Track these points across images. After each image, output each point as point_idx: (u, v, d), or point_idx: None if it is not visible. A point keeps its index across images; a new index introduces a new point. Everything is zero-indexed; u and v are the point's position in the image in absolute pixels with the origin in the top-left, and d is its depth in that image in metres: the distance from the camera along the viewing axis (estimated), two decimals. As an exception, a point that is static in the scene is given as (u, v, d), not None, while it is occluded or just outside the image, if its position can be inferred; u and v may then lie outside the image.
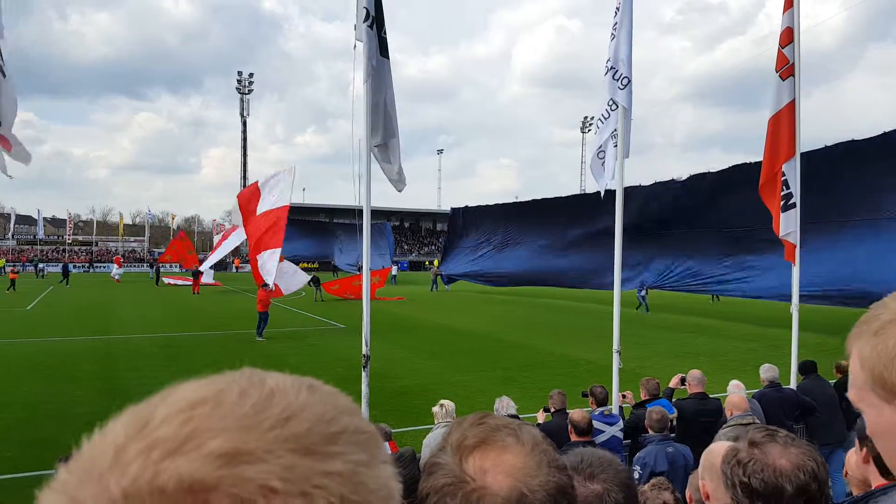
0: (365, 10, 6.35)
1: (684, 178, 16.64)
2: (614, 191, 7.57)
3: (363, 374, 6.62)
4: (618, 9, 7.20)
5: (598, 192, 8.30)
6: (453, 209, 29.38)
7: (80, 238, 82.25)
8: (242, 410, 0.44)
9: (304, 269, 33.01)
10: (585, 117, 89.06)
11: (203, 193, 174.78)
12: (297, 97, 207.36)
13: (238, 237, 28.44)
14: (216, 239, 44.35)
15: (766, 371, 7.17)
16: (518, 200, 28.97)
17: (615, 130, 7.34)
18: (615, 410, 6.78)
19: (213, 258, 38.51)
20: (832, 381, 7.72)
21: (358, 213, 8.06)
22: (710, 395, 6.81)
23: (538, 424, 6.32)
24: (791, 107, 7.78)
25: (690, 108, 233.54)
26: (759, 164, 8.49)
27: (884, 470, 1.97)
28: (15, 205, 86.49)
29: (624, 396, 7.25)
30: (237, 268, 67.01)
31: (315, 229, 48.83)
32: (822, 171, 11.70)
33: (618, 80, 7.13)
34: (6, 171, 5.69)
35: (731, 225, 14.71)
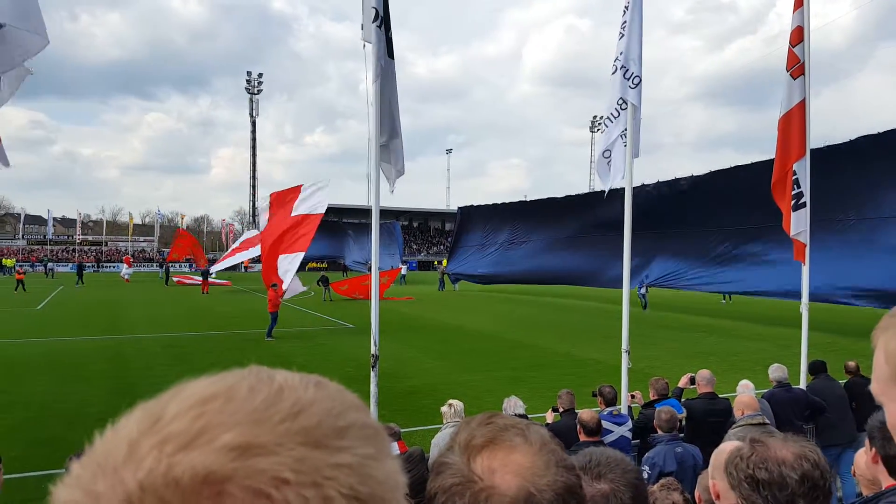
0: (374, 10, 6.35)
1: (684, 177, 16.84)
2: (619, 189, 7.55)
3: (372, 373, 6.65)
4: (626, 8, 7.19)
5: (603, 192, 8.31)
6: (461, 208, 29.42)
7: (89, 238, 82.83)
8: (253, 405, 0.45)
9: (313, 269, 33.01)
10: (595, 117, 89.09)
11: (212, 193, 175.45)
12: (307, 97, 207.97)
13: (257, 251, 28.12)
14: (233, 244, 44.20)
15: (775, 371, 7.14)
16: (526, 199, 29.01)
17: (625, 130, 7.33)
18: (624, 410, 6.77)
19: (225, 263, 38.44)
20: (842, 382, 7.68)
21: (367, 212, 8.09)
22: (720, 395, 6.78)
23: (547, 424, 6.30)
24: (802, 106, 7.74)
25: (701, 107, 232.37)
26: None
27: (893, 470, 1.96)
28: (25, 205, 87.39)
29: (633, 396, 7.24)
30: (246, 268, 67.22)
31: (327, 229, 48.94)
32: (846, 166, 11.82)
33: (629, 79, 7.11)
34: (7, 162, 5.61)
35: (730, 224, 14.78)
